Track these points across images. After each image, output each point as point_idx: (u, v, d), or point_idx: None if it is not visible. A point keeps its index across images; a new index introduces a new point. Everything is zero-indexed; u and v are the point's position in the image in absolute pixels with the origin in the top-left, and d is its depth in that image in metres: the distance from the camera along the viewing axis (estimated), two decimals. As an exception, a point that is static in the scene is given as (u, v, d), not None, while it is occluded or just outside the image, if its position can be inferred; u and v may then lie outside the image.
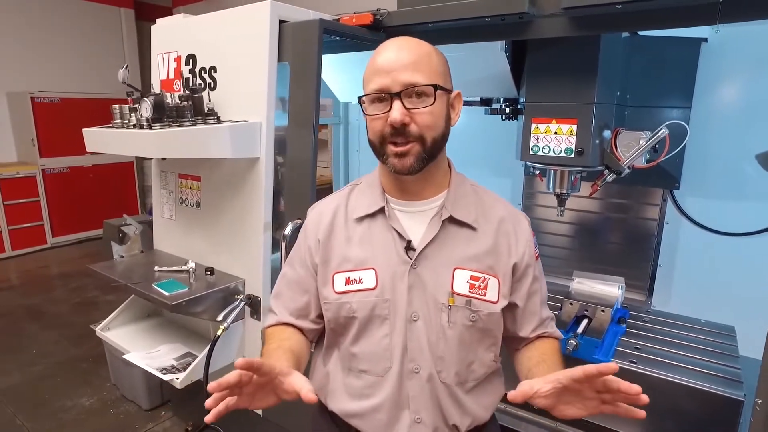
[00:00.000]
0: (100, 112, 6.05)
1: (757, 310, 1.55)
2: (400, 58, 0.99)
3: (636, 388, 0.81)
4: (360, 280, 1.07)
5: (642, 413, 0.83)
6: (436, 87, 0.99)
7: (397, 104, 0.97)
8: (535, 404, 0.88)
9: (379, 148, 1.03)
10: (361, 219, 1.12)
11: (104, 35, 6.80)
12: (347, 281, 1.08)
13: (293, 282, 1.18)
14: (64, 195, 6.27)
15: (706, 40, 1.90)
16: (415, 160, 1.00)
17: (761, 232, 1.94)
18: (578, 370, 0.84)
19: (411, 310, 1.06)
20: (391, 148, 1.00)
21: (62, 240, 6.29)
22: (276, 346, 1.08)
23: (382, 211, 1.10)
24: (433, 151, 1.02)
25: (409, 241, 1.07)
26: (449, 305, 1.05)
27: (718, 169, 2.01)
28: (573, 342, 1.56)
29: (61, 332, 3.89)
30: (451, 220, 1.08)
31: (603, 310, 1.76)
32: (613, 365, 0.82)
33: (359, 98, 1.04)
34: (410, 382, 1.06)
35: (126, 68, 1.92)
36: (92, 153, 6.36)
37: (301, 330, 1.17)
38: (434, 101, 0.99)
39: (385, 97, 0.99)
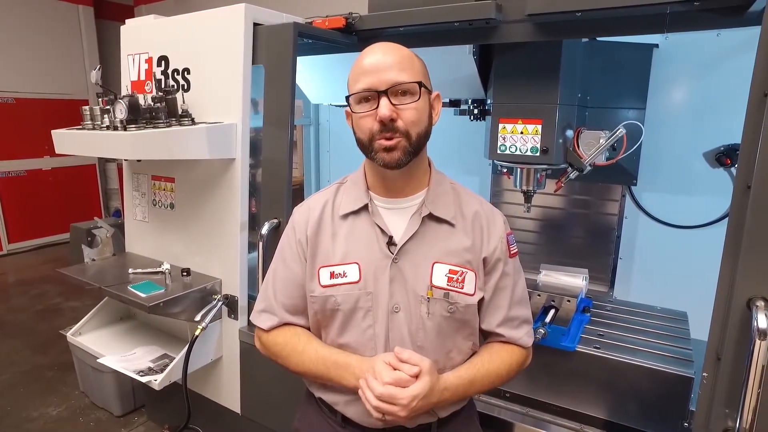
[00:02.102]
0: (59, 113, 5.95)
1: (707, 296, 1.68)
2: (386, 59, 1.05)
3: None
4: (344, 274, 1.12)
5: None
6: (420, 84, 1.05)
7: (384, 101, 1.03)
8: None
9: (368, 145, 1.08)
10: (346, 216, 1.16)
11: (62, 33, 6.53)
12: (332, 275, 1.13)
13: (287, 279, 1.21)
14: (22, 199, 6.03)
15: (657, 45, 2.03)
16: (402, 153, 1.05)
17: (710, 224, 2.09)
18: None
19: (392, 302, 1.11)
20: (381, 143, 1.05)
21: (20, 246, 6.05)
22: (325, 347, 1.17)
23: (365, 207, 1.15)
24: (418, 146, 1.08)
25: (390, 237, 1.12)
26: (428, 297, 1.11)
27: (671, 166, 2.15)
28: (541, 331, 1.64)
29: (23, 341, 3.76)
30: (431, 216, 1.14)
31: (569, 300, 1.86)
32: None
33: (347, 98, 1.09)
34: None
35: (99, 69, 1.90)
36: (51, 155, 6.16)
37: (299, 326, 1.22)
38: (419, 98, 1.05)
39: (372, 95, 1.04)
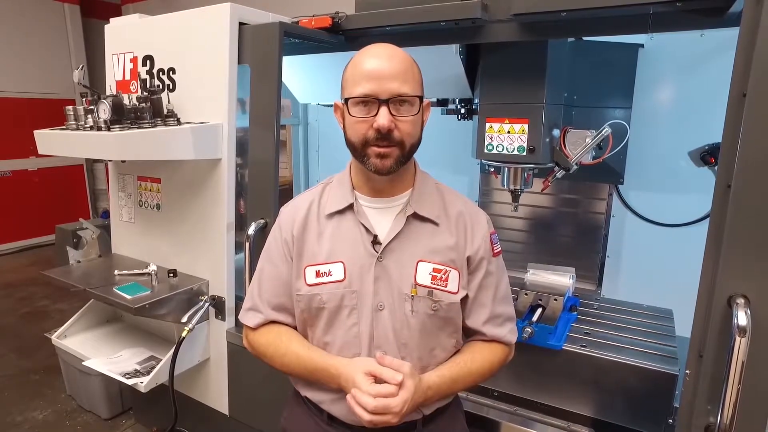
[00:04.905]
0: (45, 113, 5.87)
1: (692, 294, 1.70)
2: (391, 66, 1.04)
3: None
4: (329, 273, 1.13)
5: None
6: (421, 99, 1.06)
7: (384, 110, 1.03)
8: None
9: (360, 149, 1.08)
10: (331, 215, 1.17)
11: (47, 32, 6.41)
12: (317, 274, 1.13)
13: (273, 278, 1.21)
14: (7, 200, 5.95)
15: (642, 45, 2.05)
16: (394, 162, 1.07)
17: (695, 223, 2.11)
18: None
19: (377, 301, 1.12)
20: (374, 149, 1.05)
21: (4, 248, 5.97)
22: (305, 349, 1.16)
23: (351, 207, 1.16)
24: (409, 155, 1.10)
25: (375, 236, 1.13)
26: (412, 295, 1.12)
27: (657, 165, 2.17)
28: (528, 330, 1.65)
29: (8, 344, 3.71)
30: (415, 216, 1.15)
31: (555, 299, 1.86)
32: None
33: (345, 99, 1.07)
34: None
35: (82, 68, 1.88)
36: (37, 156, 6.06)
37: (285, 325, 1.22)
38: (418, 111, 1.06)
39: (372, 101, 1.04)
